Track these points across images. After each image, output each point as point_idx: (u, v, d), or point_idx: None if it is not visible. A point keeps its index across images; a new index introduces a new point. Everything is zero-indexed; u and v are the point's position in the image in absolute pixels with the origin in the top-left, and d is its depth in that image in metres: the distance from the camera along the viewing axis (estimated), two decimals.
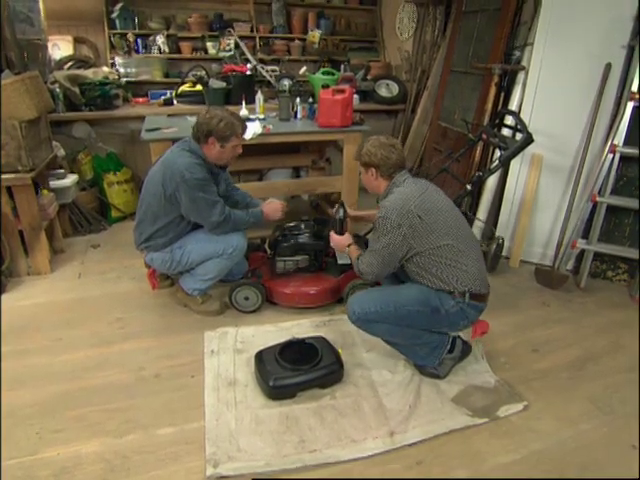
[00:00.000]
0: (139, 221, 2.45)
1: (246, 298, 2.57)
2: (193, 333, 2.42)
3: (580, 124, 2.95)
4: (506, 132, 3.02)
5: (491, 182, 3.29)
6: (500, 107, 3.25)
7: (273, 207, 2.59)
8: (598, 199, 2.82)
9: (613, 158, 2.77)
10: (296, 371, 1.99)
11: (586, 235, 3.01)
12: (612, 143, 2.74)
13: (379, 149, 1.95)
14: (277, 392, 1.97)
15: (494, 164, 2.38)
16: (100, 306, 2.65)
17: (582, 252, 3.04)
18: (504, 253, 3.22)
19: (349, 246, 2.23)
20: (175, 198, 2.28)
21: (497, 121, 2.80)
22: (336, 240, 2.28)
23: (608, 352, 2.39)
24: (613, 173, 2.81)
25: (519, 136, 2.64)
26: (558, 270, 2.98)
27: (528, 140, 2.35)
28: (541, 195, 3.15)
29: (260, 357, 2.09)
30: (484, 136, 2.66)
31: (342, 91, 3.16)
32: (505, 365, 2.28)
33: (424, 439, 1.82)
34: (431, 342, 2.05)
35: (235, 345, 2.33)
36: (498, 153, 3.22)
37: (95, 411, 1.92)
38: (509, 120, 3.05)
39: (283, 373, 1.98)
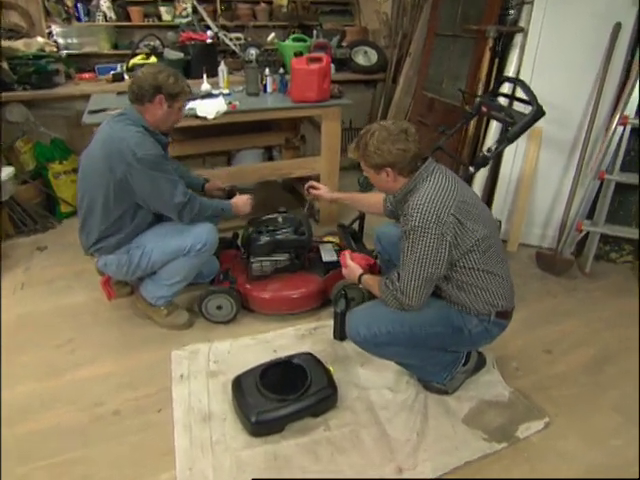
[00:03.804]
0: (84, 220, 2.04)
1: (219, 307, 2.22)
2: (158, 352, 2.08)
3: (585, 92, 2.65)
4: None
5: None
6: (495, 74, 2.92)
7: (243, 200, 2.27)
8: (606, 177, 2.55)
9: (624, 131, 2.49)
10: (282, 402, 1.68)
11: (590, 215, 2.77)
12: (623, 114, 2.45)
13: (392, 143, 1.50)
14: (261, 428, 1.66)
15: (500, 141, 2.07)
16: (47, 324, 2.25)
17: (585, 234, 2.80)
18: (501, 236, 2.94)
19: (361, 276, 1.78)
20: (127, 182, 1.89)
21: (497, 90, 2.47)
22: (347, 272, 1.86)
23: (623, 350, 2.17)
24: (623, 148, 2.53)
25: (517, 107, 2.34)
26: (561, 254, 2.73)
27: (538, 114, 2.04)
28: (540, 172, 2.87)
29: (238, 385, 1.76)
30: (484, 108, 2.33)
31: (318, 59, 2.77)
32: (518, 372, 2.03)
33: (438, 477, 1.55)
34: (445, 360, 1.77)
35: (208, 366, 1.99)
36: (494, 126, 2.94)
37: (41, 467, 1.57)
38: (505, 88, 2.73)
39: (267, 405, 1.66)
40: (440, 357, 1.75)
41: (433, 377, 1.83)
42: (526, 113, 2.13)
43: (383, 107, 3.98)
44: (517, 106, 2.48)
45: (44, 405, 1.81)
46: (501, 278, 1.61)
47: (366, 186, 3.78)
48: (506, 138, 2.05)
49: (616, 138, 2.51)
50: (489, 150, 2.09)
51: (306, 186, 2.27)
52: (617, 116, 2.48)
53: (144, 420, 1.75)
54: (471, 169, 2.11)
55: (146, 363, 2.02)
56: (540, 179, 2.89)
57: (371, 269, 1.88)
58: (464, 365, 1.83)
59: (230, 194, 2.41)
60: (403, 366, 1.87)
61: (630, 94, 2.44)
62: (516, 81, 2.18)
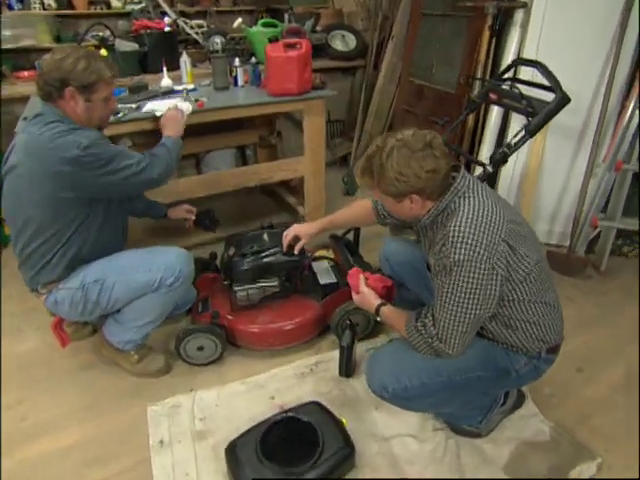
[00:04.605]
0: (28, 255, 1.63)
1: (200, 348, 1.87)
2: (131, 410, 1.72)
3: (594, 74, 2.39)
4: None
5: (485, 149, 2.71)
6: (492, 56, 2.63)
7: (171, 117, 1.97)
8: (623, 166, 2.32)
9: None
10: (291, 475, 1.36)
11: (604, 209, 2.54)
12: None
13: (417, 164, 1.14)
14: None
15: (519, 136, 1.78)
16: None
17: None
18: None
19: (380, 307, 1.44)
20: (78, 181, 1.53)
21: (504, 75, 2.17)
22: (360, 299, 1.52)
23: None
24: None
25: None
26: (575, 253, 2.49)
27: (563, 101, 1.76)
28: (546, 162, 2.62)
29: (234, 452, 1.43)
30: (492, 96, 2.03)
31: (296, 45, 2.41)
32: (553, 398, 1.77)
33: None
34: (482, 404, 1.49)
35: (193, 425, 1.65)
36: (494, 115, 2.66)
37: None
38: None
39: None
40: (477, 401, 1.47)
41: (466, 421, 1.55)
42: (545, 100, 1.84)
43: (364, 96, 3.65)
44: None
45: None
46: (553, 307, 1.33)
47: (351, 185, 3.47)
48: (527, 131, 1.76)
49: (633, 124, 2.27)
50: (508, 146, 1.80)
51: (285, 247, 1.90)
52: (632, 100, 2.24)
53: None
54: (489, 168, 1.82)
55: (117, 426, 1.66)
56: (546, 170, 2.64)
57: (388, 292, 1.54)
58: (502, 405, 1.55)
59: (203, 216, 2.13)
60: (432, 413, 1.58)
61: None
62: (535, 64, 1.88)
